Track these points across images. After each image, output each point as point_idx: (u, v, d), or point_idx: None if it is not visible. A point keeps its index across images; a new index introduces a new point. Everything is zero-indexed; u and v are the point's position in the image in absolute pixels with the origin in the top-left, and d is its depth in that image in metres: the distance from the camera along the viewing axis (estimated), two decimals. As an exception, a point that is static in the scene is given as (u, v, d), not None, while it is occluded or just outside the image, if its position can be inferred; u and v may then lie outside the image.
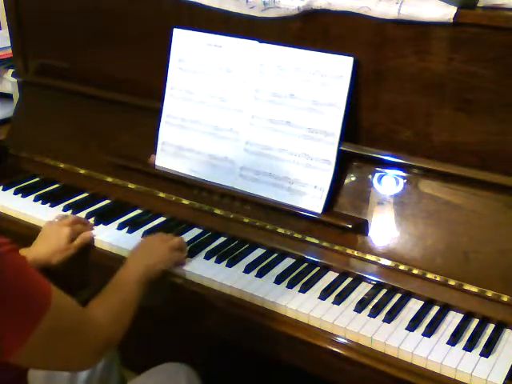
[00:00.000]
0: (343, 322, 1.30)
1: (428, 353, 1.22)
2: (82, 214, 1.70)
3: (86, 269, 1.61)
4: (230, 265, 1.48)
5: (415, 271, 1.40)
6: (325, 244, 1.50)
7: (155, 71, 1.76)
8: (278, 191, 1.58)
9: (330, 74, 1.50)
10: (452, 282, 1.36)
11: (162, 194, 1.73)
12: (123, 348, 1.46)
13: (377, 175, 1.49)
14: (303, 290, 1.39)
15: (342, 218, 1.49)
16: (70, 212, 1.72)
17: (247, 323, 1.38)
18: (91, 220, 1.67)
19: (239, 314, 1.38)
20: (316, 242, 1.51)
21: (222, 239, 1.59)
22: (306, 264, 1.49)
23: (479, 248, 1.35)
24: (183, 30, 1.71)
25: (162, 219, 1.69)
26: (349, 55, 1.48)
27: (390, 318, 1.31)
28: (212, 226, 1.63)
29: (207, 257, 1.51)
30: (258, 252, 1.54)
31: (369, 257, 1.45)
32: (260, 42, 1.60)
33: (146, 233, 1.61)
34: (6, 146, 2.00)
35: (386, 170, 1.48)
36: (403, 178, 1.47)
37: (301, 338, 1.31)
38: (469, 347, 1.23)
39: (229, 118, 1.65)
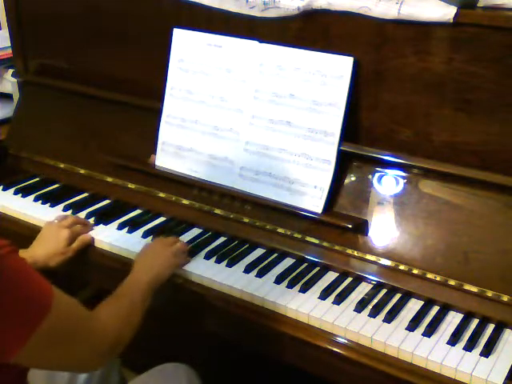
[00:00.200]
0: (343, 321, 1.30)
1: (428, 353, 1.22)
2: (82, 214, 1.70)
3: (86, 269, 1.61)
4: (229, 265, 1.48)
5: (415, 271, 1.40)
6: (325, 244, 1.50)
7: (155, 71, 1.76)
8: (278, 191, 1.58)
9: (330, 74, 1.50)
10: (452, 282, 1.36)
11: (161, 194, 1.73)
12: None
13: (377, 175, 1.49)
14: (303, 290, 1.39)
15: (342, 218, 1.49)
16: (69, 212, 1.72)
17: (247, 323, 1.38)
18: (91, 220, 1.67)
19: (239, 314, 1.38)
20: (316, 242, 1.51)
21: (222, 239, 1.59)
22: (305, 264, 1.49)
23: (479, 248, 1.35)
24: (183, 30, 1.71)
25: (162, 219, 1.69)
26: (349, 55, 1.48)
27: (389, 318, 1.31)
28: (212, 225, 1.63)
29: (207, 257, 1.51)
30: (258, 252, 1.54)
31: (369, 257, 1.45)
32: (260, 41, 1.60)
33: (146, 233, 1.61)
34: (6, 146, 2.00)
35: (386, 170, 1.48)
36: (403, 178, 1.47)
37: (301, 338, 1.31)
38: (469, 347, 1.23)
39: (229, 117, 1.65)
